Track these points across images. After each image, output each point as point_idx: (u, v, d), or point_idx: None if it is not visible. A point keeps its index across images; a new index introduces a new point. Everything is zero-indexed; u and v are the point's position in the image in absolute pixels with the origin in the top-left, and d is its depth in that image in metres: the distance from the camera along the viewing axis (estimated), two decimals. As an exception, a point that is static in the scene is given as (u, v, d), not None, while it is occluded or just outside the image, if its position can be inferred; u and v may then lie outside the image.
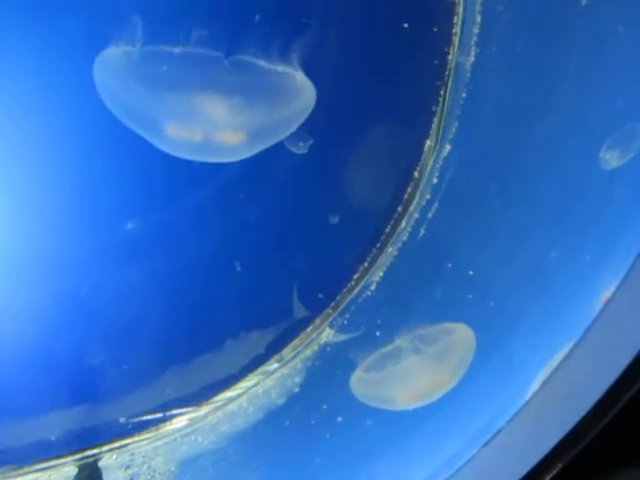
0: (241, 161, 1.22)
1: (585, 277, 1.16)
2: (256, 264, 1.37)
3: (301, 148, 1.25)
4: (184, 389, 1.42)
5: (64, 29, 1.22)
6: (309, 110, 1.18)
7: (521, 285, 1.25)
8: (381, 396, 1.24)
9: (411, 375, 1.21)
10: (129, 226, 1.32)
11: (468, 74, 1.30)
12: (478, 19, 1.26)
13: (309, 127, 1.23)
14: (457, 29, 1.28)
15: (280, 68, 1.13)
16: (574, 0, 1.15)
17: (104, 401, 1.41)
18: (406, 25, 1.24)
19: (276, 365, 1.43)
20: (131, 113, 1.17)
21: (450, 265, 1.32)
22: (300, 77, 1.15)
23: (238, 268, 1.35)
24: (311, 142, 1.25)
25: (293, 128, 1.19)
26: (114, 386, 1.41)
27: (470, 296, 1.27)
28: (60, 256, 1.33)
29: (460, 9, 1.26)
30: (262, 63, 1.12)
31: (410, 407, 1.19)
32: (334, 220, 1.32)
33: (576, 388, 1.09)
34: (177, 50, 1.11)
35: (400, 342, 1.26)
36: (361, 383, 1.26)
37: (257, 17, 1.21)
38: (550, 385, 1.11)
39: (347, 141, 1.33)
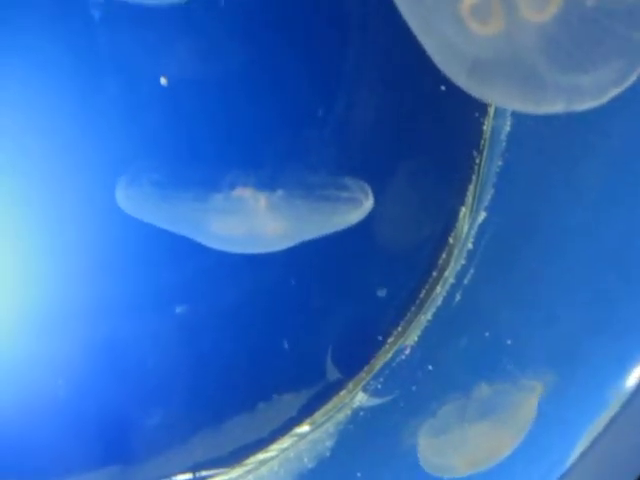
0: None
1: (626, 348, 1.15)
2: (293, 330, 1.39)
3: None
4: (215, 450, 1.43)
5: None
6: (362, 217, 1.21)
7: (561, 355, 1.25)
8: (440, 464, 1.23)
9: (466, 442, 1.20)
10: (178, 310, 1.35)
11: (504, 144, 1.34)
12: None
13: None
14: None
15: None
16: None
17: (134, 460, 1.42)
18: (443, 88, 1.27)
19: (308, 428, 1.44)
20: (172, 224, 1.22)
21: (487, 334, 1.33)
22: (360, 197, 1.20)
23: (286, 345, 1.37)
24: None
25: (342, 227, 1.22)
26: (145, 445, 1.42)
27: (509, 366, 1.27)
28: (94, 310, 1.35)
29: None
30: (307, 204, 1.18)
31: (468, 473, 1.18)
32: (382, 293, 1.35)
33: (615, 460, 1.08)
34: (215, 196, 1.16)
35: (446, 407, 1.26)
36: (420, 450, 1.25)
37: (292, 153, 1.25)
38: (589, 457, 1.10)
39: (384, 204, 1.34)
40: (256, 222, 1.17)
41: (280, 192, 1.17)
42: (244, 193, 1.17)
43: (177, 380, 1.41)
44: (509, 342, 1.29)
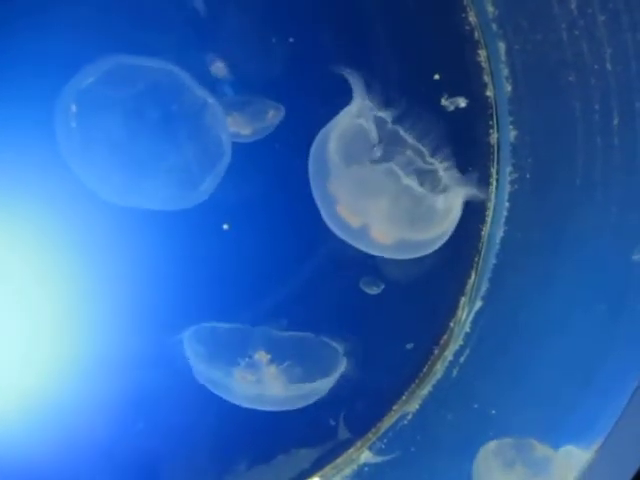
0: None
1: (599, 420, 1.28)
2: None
3: (374, 290, 1.48)
4: (236, 496, 1.53)
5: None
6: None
7: (538, 424, 1.40)
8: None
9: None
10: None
11: (498, 246, 1.51)
12: (506, 205, 1.49)
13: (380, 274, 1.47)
14: (490, 211, 1.50)
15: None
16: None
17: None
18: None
19: None
20: (210, 382, 1.46)
21: (476, 405, 1.47)
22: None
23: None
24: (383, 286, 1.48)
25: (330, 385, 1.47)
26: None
27: (490, 433, 1.42)
28: (134, 361, 1.48)
29: (492, 197, 1.50)
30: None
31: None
32: (416, 339, 1.53)
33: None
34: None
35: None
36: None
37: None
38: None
39: (398, 295, 1.53)
40: (266, 386, 1.43)
41: (287, 363, 1.43)
42: (262, 357, 1.43)
43: (202, 427, 1.51)
44: (493, 412, 1.43)
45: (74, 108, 1.26)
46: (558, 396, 1.41)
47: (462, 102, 1.42)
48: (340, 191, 1.26)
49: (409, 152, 1.29)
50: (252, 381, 1.41)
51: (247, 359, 1.42)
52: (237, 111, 1.37)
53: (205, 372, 1.44)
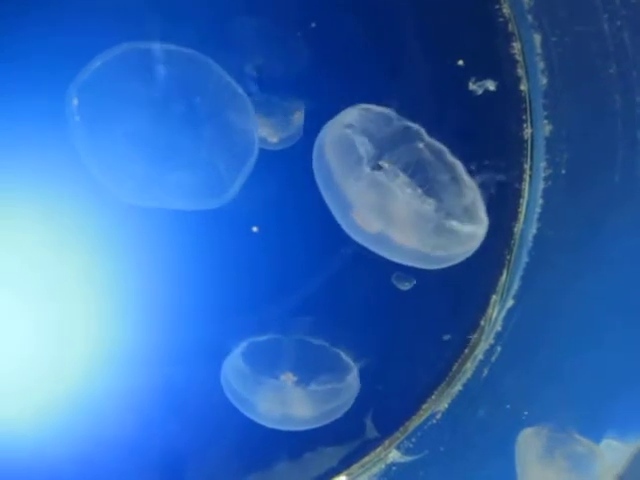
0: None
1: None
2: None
3: (406, 285, 1.47)
4: (262, 491, 1.54)
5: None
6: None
7: (573, 423, 1.38)
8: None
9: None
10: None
11: (530, 244, 1.49)
12: (540, 202, 1.47)
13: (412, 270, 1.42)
14: (522, 208, 1.48)
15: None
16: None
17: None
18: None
19: (344, 479, 1.56)
20: (238, 399, 1.45)
21: (508, 406, 1.46)
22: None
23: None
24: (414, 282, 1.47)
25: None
26: (199, 483, 1.54)
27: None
28: (164, 358, 1.48)
29: (525, 194, 1.48)
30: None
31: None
32: (447, 338, 1.52)
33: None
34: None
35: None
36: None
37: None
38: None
39: (429, 293, 1.51)
40: (290, 407, 1.43)
41: (313, 386, 1.42)
42: (288, 379, 1.42)
43: (228, 424, 1.51)
44: (526, 414, 1.42)
45: (76, 101, 1.22)
46: (594, 395, 1.40)
47: (491, 85, 1.38)
48: (350, 199, 1.23)
49: (427, 155, 1.26)
50: (277, 403, 1.42)
51: (273, 380, 1.42)
52: (263, 116, 1.35)
53: (233, 392, 1.45)
